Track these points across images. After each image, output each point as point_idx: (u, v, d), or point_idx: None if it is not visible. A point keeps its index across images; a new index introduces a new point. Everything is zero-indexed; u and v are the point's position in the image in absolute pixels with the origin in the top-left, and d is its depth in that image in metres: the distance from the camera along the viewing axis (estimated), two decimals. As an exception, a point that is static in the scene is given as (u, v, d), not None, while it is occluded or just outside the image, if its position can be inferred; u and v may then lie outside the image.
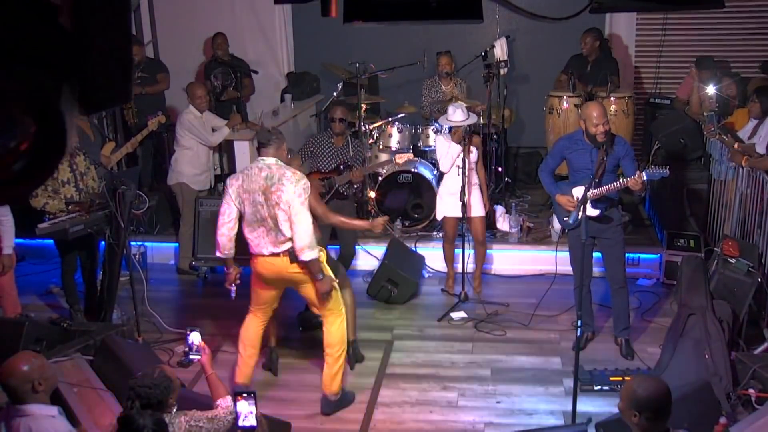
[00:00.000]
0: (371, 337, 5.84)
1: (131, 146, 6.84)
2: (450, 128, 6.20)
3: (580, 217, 4.39)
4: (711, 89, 7.16)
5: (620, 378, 4.94)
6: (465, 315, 6.10)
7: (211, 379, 3.69)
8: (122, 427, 2.98)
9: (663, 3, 2.96)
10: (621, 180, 5.02)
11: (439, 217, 6.58)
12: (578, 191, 5.07)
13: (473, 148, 6.15)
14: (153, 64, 8.28)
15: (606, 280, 5.62)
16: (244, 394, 3.33)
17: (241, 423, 3.33)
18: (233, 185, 4.55)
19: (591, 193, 5.01)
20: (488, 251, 6.67)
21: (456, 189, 6.05)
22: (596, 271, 5.97)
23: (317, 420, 4.81)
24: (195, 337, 3.76)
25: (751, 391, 4.58)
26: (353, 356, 5.41)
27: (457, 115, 6.05)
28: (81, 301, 6.15)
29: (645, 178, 4.84)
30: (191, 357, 3.81)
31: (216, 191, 7.26)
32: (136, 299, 5.59)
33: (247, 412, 3.32)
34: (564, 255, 5.64)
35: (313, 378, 5.21)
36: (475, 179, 6.23)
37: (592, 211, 5.10)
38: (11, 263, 5.49)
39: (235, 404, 3.34)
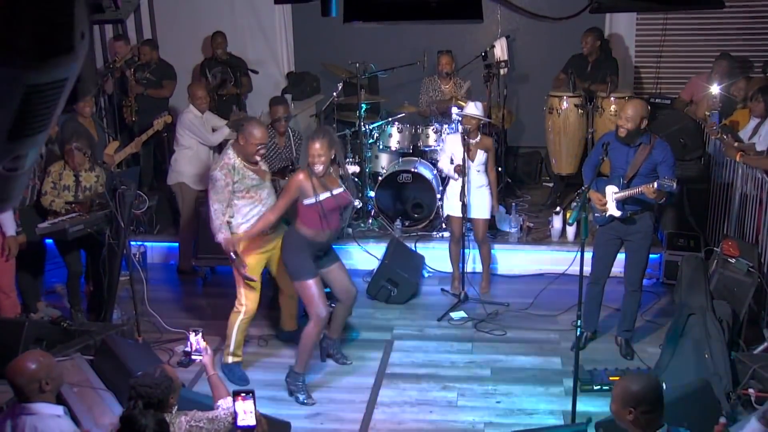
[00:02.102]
0: (371, 337, 5.84)
1: (135, 146, 6.82)
2: (459, 122, 6.18)
3: (580, 216, 4.39)
4: (715, 88, 7.15)
5: (620, 378, 4.94)
6: (465, 315, 6.10)
7: (213, 379, 3.70)
8: (124, 427, 2.97)
9: (663, 3, 2.95)
10: (641, 186, 4.99)
11: (444, 214, 6.58)
12: (610, 189, 5.12)
13: (481, 150, 6.16)
14: (163, 68, 8.17)
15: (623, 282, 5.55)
16: (243, 394, 3.33)
17: (239, 422, 3.33)
18: None
19: (617, 194, 5.07)
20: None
21: (459, 189, 6.05)
22: (616, 271, 5.82)
23: (317, 420, 4.81)
24: (197, 338, 3.77)
25: (751, 391, 4.58)
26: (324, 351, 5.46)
27: (471, 108, 6.11)
28: (83, 302, 6.15)
29: (655, 187, 4.85)
30: (193, 357, 3.82)
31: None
32: (136, 299, 5.59)
33: (246, 411, 3.32)
34: (569, 255, 5.63)
35: (313, 378, 5.21)
36: (483, 181, 6.24)
37: (615, 212, 5.14)
38: (16, 245, 5.48)
39: (233, 403, 3.34)
